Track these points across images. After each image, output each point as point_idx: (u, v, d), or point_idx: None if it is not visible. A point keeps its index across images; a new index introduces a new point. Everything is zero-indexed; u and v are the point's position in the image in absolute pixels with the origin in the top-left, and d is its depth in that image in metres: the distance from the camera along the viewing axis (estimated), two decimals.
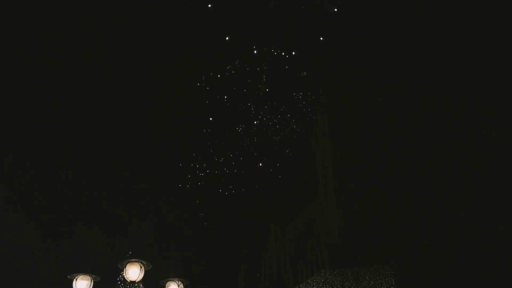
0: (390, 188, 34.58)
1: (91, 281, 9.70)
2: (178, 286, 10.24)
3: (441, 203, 32.50)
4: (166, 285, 10.34)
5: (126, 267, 9.67)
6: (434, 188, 33.44)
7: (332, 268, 31.12)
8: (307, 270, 36.08)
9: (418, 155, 36.14)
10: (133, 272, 9.66)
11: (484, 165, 32.81)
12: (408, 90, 39.37)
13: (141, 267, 9.69)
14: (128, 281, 9.80)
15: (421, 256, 30.64)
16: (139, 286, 10.15)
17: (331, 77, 43.15)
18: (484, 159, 33.25)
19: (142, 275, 9.81)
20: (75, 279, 9.60)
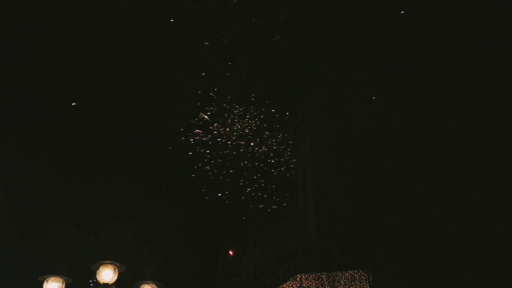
0: (368, 195, 34.94)
1: (62, 283, 9.56)
2: (114, 270, 9.86)
3: (418, 210, 32.97)
4: (99, 269, 9.91)
5: (99, 269, 9.57)
6: (412, 195, 33.92)
7: (308, 273, 31.27)
8: (283, 275, 36.17)
9: (396, 163, 36.63)
10: (107, 274, 9.56)
11: (462, 172, 33.44)
12: (388, 95, 39.95)
13: (114, 269, 9.60)
14: (101, 283, 9.68)
15: (396, 262, 31.03)
16: None
17: (312, 82, 43.49)
18: (461, 169, 33.89)
19: (116, 278, 9.71)
20: (46, 281, 9.45)
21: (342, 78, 40.94)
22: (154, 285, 10.33)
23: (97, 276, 9.72)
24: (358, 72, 40.77)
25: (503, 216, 30.53)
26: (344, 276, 29.87)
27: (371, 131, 37.76)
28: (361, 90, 40.01)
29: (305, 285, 30.10)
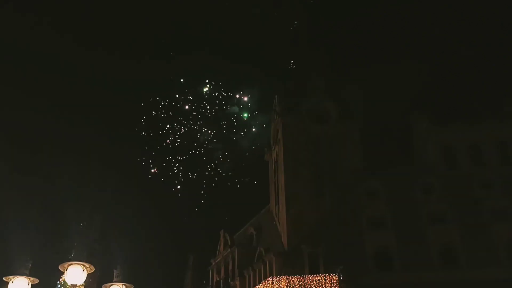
0: (339, 198, 35.26)
1: (28, 284, 9.21)
2: (83, 271, 9.56)
3: (384, 214, 33.46)
4: (67, 270, 9.63)
5: (67, 270, 9.23)
6: (376, 199, 34.44)
7: (280, 275, 31.30)
8: (254, 277, 36.08)
9: (363, 163, 37.22)
10: (75, 275, 9.24)
11: None
12: (355, 98, 40.60)
13: (83, 270, 9.29)
14: (69, 284, 9.36)
15: (366, 265, 31.38)
16: None
17: (285, 85, 43.74)
18: None
19: (84, 278, 9.41)
20: (11, 281, 9.09)
21: (313, 84, 41.39)
22: (123, 286, 10.04)
23: (65, 276, 9.39)
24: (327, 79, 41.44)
25: None
26: (315, 280, 30.02)
27: (341, 135, 38.22)
28: (334, 93, 40.50)
29: None
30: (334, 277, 29.85)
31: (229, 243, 41.91)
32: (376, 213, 33.38)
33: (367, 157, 38.15)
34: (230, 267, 40.79)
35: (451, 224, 31.69)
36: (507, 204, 31.73)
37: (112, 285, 10.12)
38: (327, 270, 30.72)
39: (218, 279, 42.94)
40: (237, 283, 38.52)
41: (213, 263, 44.11)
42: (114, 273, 10.49)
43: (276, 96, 42.36)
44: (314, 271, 31.43)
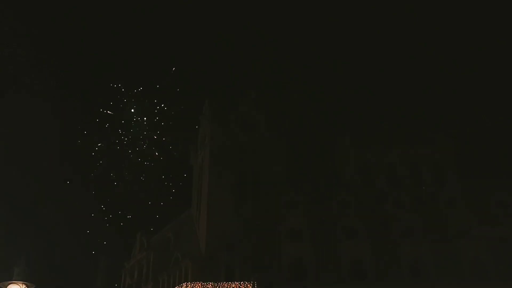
0: (260, 207, 35.62)
1: None
2: None
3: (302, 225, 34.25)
4: None
5: None
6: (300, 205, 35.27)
7: (194, 281, 30.92)
8: (168, 283, 35.35)
9: (286, 175, 38.05)
10: None
11: None
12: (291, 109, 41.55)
13: None
14: None
15: (282, 275, 31.87)
16: None
17: (216, 88, 43.74)
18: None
19: None
20: None
21: (241, 91, 41.88)
22: (23, 285, 9.26)
23: None
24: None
25: None
26: (229, 287, 30.00)
27: (267, 145, 38.81)
28: (264, 104, 41.10)
29: None
30: (249, 285, 30.02)
31: (145, 246, 40.75)
32: (294, 224, 34.09)
33: (290, 169, 39.01)
34: (145, 271, 39.63)
35: (363, 240, 33.09)
36: (416, 222, 33.77)
37: (11, 283, 9.31)
38: (242, 278, 30.83)
39: (130, 282, 41.51)
40: (149, 287, 37.54)
41: (127, 266, 42.64)
42: (15, 271, 9.70)
43: (206, 101, 42.16)
44: (230, 278, 31.44)
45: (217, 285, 30.07)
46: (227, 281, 30.82)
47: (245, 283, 30.10)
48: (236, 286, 29.93)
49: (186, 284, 30.67)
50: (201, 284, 30.16)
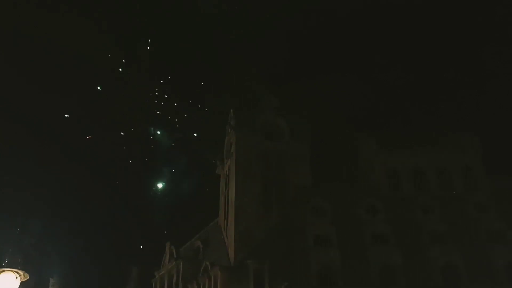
0: (286, 214, 35.69)
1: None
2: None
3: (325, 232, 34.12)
4: None
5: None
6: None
7: None
8: None
9: (311, 181, 38.00)
10: (7, 282, 8.84)
11: None
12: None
13: (16, 278, 8.91)
14: None
15: (310, 282, 31.77)
16: None
17: (241, 99, 44.16)
18: None
19: (17, 286, 9.00)
20: None
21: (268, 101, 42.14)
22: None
23: None
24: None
25: None
26: None
27: (291, 152, 38.91)
28: (288, 111, 41.29)
29: None
30: None
31: (175, 256, 41.26)
32: (321, 231, 33.96)
33: (315, 175, 39.01)
34: (174, 280, 40.09)
35: (392, 245, 32.71)
36: (444, 228, 33.19)
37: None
38: (272, 286, 30.85)
39: None
40: None
41: (157, 276, 43.24)
42: (50, 282, 10.12)
43: (231, 110, 42.64)
44: (259, 286, 31.47)
45: None
46: None
47: None
48: None
49: None
50: None
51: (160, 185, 47.33)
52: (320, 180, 39.33)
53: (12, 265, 8.97)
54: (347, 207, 35.49)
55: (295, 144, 39.77)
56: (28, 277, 9.14)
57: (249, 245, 34.34)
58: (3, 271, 8.84)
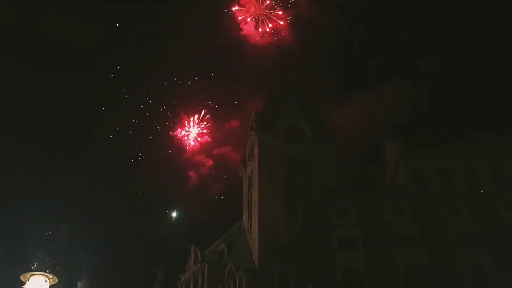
0: (311, 216, 35.52)
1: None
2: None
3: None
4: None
5: (29, 280, 9.11)
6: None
7: None
8: None
9: (336, 182, 37.74)
10: (36, 285, 9.12)
11: None
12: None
13: (45, 281, 9.17)
14: None
15: (336, 284, 31.52)
16: None
17: (262, 103, 44.19)
18: None
19: None
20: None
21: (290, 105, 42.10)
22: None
23: (26, 287, 9.20)
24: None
25: None
26: None
27: (315, 154, 38.75)
28: (310, 113, 41.15)
29: None
30: None
31: (200, 259, 41.54)
32: (346, 232, 33.63)
33: (339, 176, 38.71)
34: (200, 283, 40.37)
35: (418, 246, 32.18)
36: (473, 228, 32.47)
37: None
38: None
39: None
40: None
41: (182, 279, 43.60)
42: (78, 285, 10.37)
43: (253, 112, 42.75)
44: None
45: None
46: None
47: None
48: None
49: None
50: None
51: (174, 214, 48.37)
52: (345, 181, 39.04)
53: (41, 268, 9.24)
54: (372, 208, 35.05)
55: (319, 146, 39.61)
56: (57, 281, 9.40)
57: (273, 247, 34.31)
58: (33, 274, 9.12)
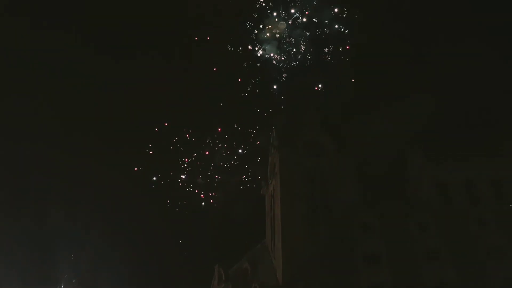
0: (334, 232, 35.07)
1: None
2: None
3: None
4: None
5: None
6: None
7: None
8: None
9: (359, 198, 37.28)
10: None
11: None
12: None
13: None
14: None
15: None
16: None
17: (283, 120, 44.21)
18: None
19: None
20: None
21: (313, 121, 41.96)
22: None
23: None
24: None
25: None
26: None
27: (337, 169, 38.41)
28: (331, 128, 40.95)
29: None
30: None
31: (224, 278, 41.30)
32: (371, 249, 33.13)
33: (362, 191, 38.19)
34: None
35: (446, 261, 31.45)
36: (502, 242, 31.60)
37: None
38: None
39: None
40: None
41: None
42: None
43: (273, 129, 42.75)
44: None
45: None
46: None
47: None
48: None
49: None
50: None
51: None
52: (368, 196, 38.49)
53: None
54: (397, 223, 34.50)
55: (341, 161, 39.23)
56: None
57: (297, 265, 33.91)
58: None
